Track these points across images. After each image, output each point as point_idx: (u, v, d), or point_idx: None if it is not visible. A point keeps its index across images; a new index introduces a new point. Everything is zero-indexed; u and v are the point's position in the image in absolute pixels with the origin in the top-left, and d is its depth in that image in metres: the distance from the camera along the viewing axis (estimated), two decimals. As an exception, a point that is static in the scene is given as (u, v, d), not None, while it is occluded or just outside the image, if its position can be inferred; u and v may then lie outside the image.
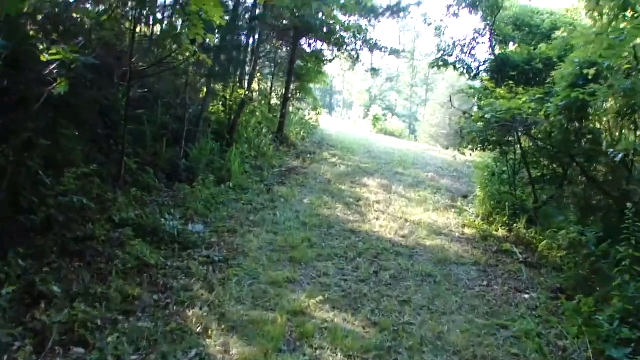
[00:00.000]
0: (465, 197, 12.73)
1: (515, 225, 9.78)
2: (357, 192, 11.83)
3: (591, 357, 5.18)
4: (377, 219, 9.82)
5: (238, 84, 13.44)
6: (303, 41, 17.28)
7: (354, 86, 61.87)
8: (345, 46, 16.48)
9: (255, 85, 17.28)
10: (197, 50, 7.68)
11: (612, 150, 7.45)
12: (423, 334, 5.46)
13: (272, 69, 18.96)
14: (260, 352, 4.70)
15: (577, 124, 9.20)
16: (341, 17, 15.62)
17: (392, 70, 64.34)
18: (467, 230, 9.85)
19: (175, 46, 8.20)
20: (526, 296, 6.98)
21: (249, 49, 13.91)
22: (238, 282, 6.20)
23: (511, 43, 13.22)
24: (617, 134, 9.65)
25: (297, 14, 14.11)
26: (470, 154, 12.05)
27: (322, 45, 17.88)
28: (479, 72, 12.76)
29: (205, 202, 9.14)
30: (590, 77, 7.51)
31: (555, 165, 10.62)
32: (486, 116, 9.51)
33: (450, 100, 11.19)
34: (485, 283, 7.31)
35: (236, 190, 10.37)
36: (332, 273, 6.92)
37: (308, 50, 18.07)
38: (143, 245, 6.58)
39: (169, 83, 10.65)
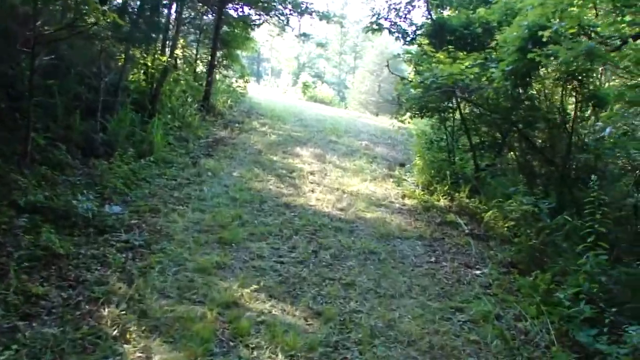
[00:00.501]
0: (402, 165, 12.28)
1: (457, 194, 9.38)
2: (290, 162, 11.16)
3: (554, 339, 4.74)
4: (313, 192, 9.20)
5: (160, 51, 12.41)
6: (230, 7, 16.34)
7: (282, 54, 60.69)
8: (273, 10, 15.52)
9: (179, 52, 16.26)
10: (106, 10, 6.69)
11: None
12: (372, 323, 4.88)
13: (198, 36, 17.92)
14: (188, 356, 4.01)
15: (520, 90, 8.84)
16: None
17: (321, 37, 63.44)
18: (407, 201, 9.37)
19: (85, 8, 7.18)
20: (477, 272, 6.54)
21: (171, 13, 12.86)
22: (161, 271, 5.44)
23: (447, 8, 12.69)
24: (556, 99, 9.51)
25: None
26: (409, 122, 11.56)
27: (250, 9, 16.95)
28: (415, 37, 12.20)
29: (125, 178, 8.26)
30: (544, 40, 7.02)
31: (494, 132, 10.31)
32: (426, 82, 8.99)
33: (388, 65, 10.78)
34: (433, 259, 6.82)
35: (159, 165, 9.51)
36: (266, 255, 6.24)
37: (235, 15, 17.13)
38: (50, 233, 5.72)
39: (83, 50, 9.58)
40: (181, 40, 15.92)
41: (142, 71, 11.90)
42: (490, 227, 8.11)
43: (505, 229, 7.91)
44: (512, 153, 10.22)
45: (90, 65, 9.56)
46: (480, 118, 10.30)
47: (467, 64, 8.74)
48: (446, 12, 12.52)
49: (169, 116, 11.89)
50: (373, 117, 26.40)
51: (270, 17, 16.29)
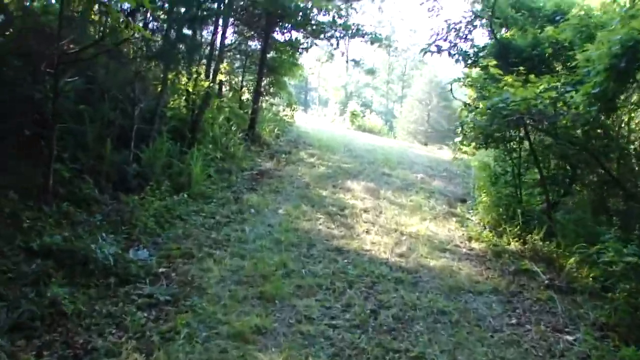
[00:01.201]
0: (463, 201, 11.14)
1: (530, 236, 8.19)
2: (341, 198, 10.16)
3: None
4: (367, 233, 8.17)
5: (203, 76, 11.66)
6: (276, 31, 15.63)
7: (330, 82, 60.15)
8: (323, 34, 14.68)
9: (222, 77, 15.58)
10: (130, 21, 5.83)
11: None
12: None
13: (244, 62, 17.25)
14: None
15: (603, 116, 7.73)
16: (318, -1, 13.95)
17: (369, 65, 62.80)
18: (474, 245, 8.24)
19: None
20: (569, 337, 5.38)
21: (216, 37, 12.11)
22: (188, 338, 4.47)
23: (511, 27, 11.60)
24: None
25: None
26: (469, 153, 10.46)
27: (298, 33, 16.20)
28: (477, 59, 11.12)
29: (157, 216, 7.45)
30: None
31: (564, 165, 9.18)
32: (494, 108, 7.92)
33: (451, 90, 9.58)
34: (514, 321, 5.67)
35: (197, 200, 8.66)
36: (316, 316, 5.20)
37: (281, 39, 16.42)
38: (60, 286, 4.85)
39: (117, 73, 8.84)
40: (225, 65, 15.22)
41: (182, 97, 11.17)
42: (573, 278, 6.91)
43: (591, 279, 6.74)
44: (583, 188, 9.11)
45: (125, 89, 8.80)
46: (549, 149, 9.18)
47: (541, 87, 7.66)
48: (509, 33, 11.41)
49: (211, 146, 11.07)
50: (423, 147, 25.33)
51: (320, 39, 15.35)
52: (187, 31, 9.74)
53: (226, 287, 5.60)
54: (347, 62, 18.08)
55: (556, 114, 7.54)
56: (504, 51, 10.48)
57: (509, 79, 8.33)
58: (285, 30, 15.96)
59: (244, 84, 17.35)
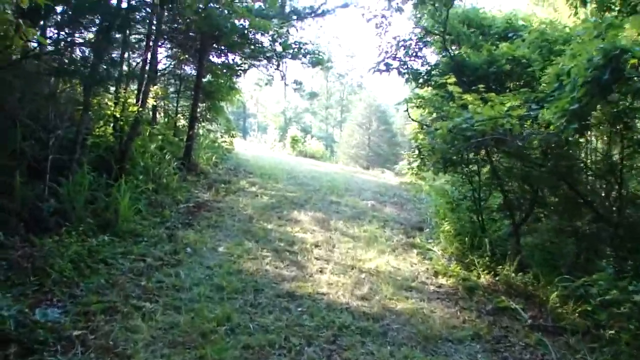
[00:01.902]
0: (420, 229, 10.37)
1: (500, 268, 7.39)
2: (288, 231, 9.16)
3: None
4: (322, 272, 7.19)
5: (132, 100, 10.52)
6: (212, 54, 14.64)
7: (268, 108, 59.45)
8: (262, 54, 13.69)
9: (156, 103, 14.46)
10: (20, 23, 4.57)
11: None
12: None
13: (178, 87, 16.14)
14: None
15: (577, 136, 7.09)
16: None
17: (309, 90, 62.48)
18: (442, 280, 7.39)
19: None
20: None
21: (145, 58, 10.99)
22: None
23: (462, 45, 10.97)
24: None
25: (202, 14, 11.40)
26: (434, 179, 9.71)
27: (235, 55, 15.22)
28: (430, 78, 10.38)
29: (77, 261, 6.26)
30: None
31: (525, 187, 8.55)
32: (460, 128, 7.15)
33: (407, 111, 8.83)
34: (506, 376, 4.80)
35: (125, 239, 7.52)
36: (270, 388, 4.18)
37: (218, 61, 15.45)
38: None
39: (26, 94, 7.67)
40: (158, 90, 14.14)
41: (109, 123, 10.02)
42: (559, 315, 6.14)
43: (577, 315, 5.98)
44: (547, 212, 8.49)
45: (37, 114, 7.63)
46: (509, 171, 8.52)
47: (508, 104, 6.95)
48: (462, 50, 10.77)
49: (141, 177, 9.91)
50: (367, 172, 24.61)
51: (259, 60, 14.36)
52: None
53: (157, 352, 4.51)
54: (285, 85, 17.13)
55: (526, 134, 6.81)
56: (458, 69, 9.80)
57: (468, 97, 7.63)
58: (221, 53, 15.00)
59: (179, 109, 16.25)
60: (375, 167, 43.73)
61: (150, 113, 15.00)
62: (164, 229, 8.41)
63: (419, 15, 11.10)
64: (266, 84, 17.83)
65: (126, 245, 7.31)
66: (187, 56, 15.35)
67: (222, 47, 13.54)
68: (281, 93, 58.67)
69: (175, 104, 16.35)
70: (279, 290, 6.31)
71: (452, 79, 8.11)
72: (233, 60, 15.17)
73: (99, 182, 8.37)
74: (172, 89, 16.59)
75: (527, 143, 7.08)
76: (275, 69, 14.76)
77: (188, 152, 13.56)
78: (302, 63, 14.85)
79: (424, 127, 8.90)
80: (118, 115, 9.99)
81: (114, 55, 9.33)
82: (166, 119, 15.89)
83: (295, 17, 13.51)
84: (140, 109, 9.99)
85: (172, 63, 16.26)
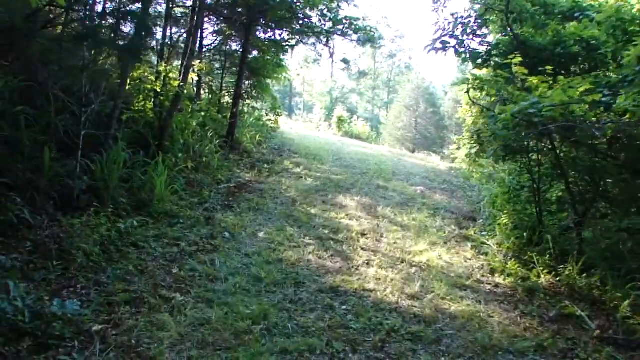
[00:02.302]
0: (473, 220, 9.68)
1: (562, 267, 6.69)
2: (333, 217, 8.61)
3: None
4: (368, 265, 6.63)
5: (173, 75, 10.08)
6: (259, 29, 14.10)
7: (315, 87, 58.80)
8: (311, 29, 13.05)
9: (201, 79, 14.06)
10: None
11: None
12: None
13: (223, 63, 15.71)
14: None
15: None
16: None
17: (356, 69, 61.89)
18: (499, 279, 6.72)
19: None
20: None
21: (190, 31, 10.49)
22: None
23: (525, 23, 10.13)
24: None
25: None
26: (493, 167, 9.02)
27: (282, 32, 14.66)
28: (490, 58, 9.61)
29: (106, 244, 5.89)
30: None
31: (589, 179, 7.76)
32: (527, 113, 6.44)
33: (468, 92, 8.07)
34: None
35: (160, 221, 7.11)
36: (310, 406, 3.66)
37: (265, 37, 14.91)
38: None
39: (60, 65, 7.26)
40: (203, 65, 13.69)
41: (149, 98, 9.61)
42: (630, 326, 5.44)
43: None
44: (609, 207, 7.70)
45: (72, 87, 7.22)
46: (573, 161, 7.74)
47: (581, 89, 6.21)
48: (523, 29, 9.94)
49: (181, 155, 9.49)
50: (415, 155, 23.81)
51: (308, 36, 13.72)
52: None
53: (183, 354, 4.04)
54: (333, 63, 16.56)
55: (602, 123, 6.09)
56: (521, 49, 9.02)
57: (534, 80, 6.93)
58: (268, 29, 14.46)
59: (225, 86, 15.84)
60: (422, 150, 42.87)
61: (195, 89, 14.64)
62: (202, 210, 7.99)
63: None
64: (314, 62, 17.16)
65: (160, 227, 6.91)
66: (233, 32, 14.91)
67: (270, 22, 12.93)
68: (328, 72, 58.08)
69: (220, 81, 15.94)
70: (322, 284, 5.78)
71: (518, 59, 7.35)
72: (280, 36, 14.62)
73: (135, 160, 7.96)
74: (217, 65, 16.20)
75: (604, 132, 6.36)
76: (324, 46, 14.06)
77: (231, 130, 13.14)
78: (351, 41, 14.17)
79: (484, 110, 8.17)
80: (159, 90, 9.59)
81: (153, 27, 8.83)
82: (210, 96, 15.48)
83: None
84: (182, 84, 9.54)
85: (218, 39, 15.87)
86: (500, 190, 9.31)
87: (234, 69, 15.37)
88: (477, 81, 9.25)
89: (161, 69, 9.70)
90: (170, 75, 9.84)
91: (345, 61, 15.03)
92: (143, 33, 7.23)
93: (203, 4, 10.44)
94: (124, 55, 7.23)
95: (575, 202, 7.59)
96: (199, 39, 12.78)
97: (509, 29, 9.06)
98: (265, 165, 12.04)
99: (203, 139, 11.03)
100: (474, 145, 8.28)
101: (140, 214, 7.10)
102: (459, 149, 21.91)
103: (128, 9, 7.57)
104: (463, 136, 19.92)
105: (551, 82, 6.78)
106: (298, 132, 22.95)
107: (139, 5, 7.72)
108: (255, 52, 15.76)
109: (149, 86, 9.62)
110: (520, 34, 9.48)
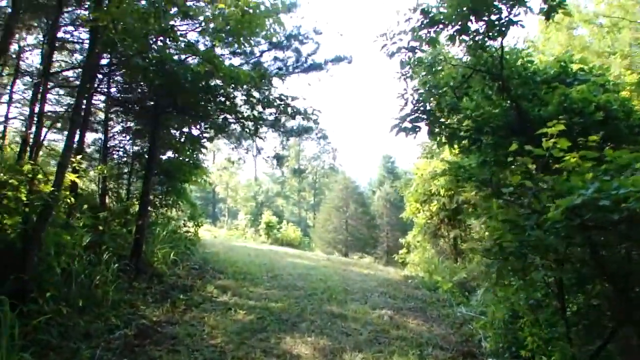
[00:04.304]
0: (472, 356, 6.98)
1: None
2: (282, 379, 5.71)
3: None
4: None
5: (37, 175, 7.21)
6: (169, 126, 11.48)
7: (239, 193, 56.21)
8: (236, 115, 10.27)
9: (73, 178, 11.19)
10: None
11: None
12: None
13: (130, 164, 12.92)
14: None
15: None
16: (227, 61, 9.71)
17: (277, 175, 60.24)
18: None
19: None
20: None
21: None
22: None
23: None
24: None
25: (152, 60, 8.25)
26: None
27: (199, 127, 12.04)
28: (479, 138, 7.21)
29: None
30: None
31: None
32: (595, 203, 3.99)
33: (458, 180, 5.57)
34: None
35: None
36: None
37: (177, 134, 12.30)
38: None
39: None
40: (101, 167, 10.93)
41: (11, 211, 6.69)
42: None
43: None
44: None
45: None
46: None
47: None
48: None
49: (51, 292, 6.46)
50: (360, 262, 21.17)
51: (233, 124, 10.96)
52: None
53: None
54: (261, 160, 13.73)
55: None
56: (519, 123, 6.75)
57: (571, 158, 4.57)
58: (183, 124, 11.84)
59: (135, 192, 12.91)
60: (355, 252, 40.55)
61: (99, 198, 11.75)
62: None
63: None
64: (239, 161, 14.48)
65: None
66: (139, 126, 12.30)
67: (182, 110, 10.17)
68: (252, 175, 56.00)
69: (125, 189, 13.08)
70: None
71: (560, 127, 4.92)
72: (198, 129, 11.97)
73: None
74: (123, 170, 13.39)
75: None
76: (252, 137, 11.28)
77: (137, 248, 10.17)
78: (282, 132, 11.68)
79: (505, 204, 5.64)
80: (23, 199, 6.71)
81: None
82: (118, 204, 12.56)
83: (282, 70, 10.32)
84: (54, 189, 6.66)
85: (127, 137, 13.17)
86: (504, 309, 6.72)
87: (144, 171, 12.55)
88: (461, 170, 6.84)
89: (25, 168, 6.84)
90: (40, 177, 6.97)
91: (278, 157, 12.27)
92: None
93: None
94: None
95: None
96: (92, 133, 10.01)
97: (502, 93, 6.77)
98: (182, 295, 9.02)
99: (96, 264, 8.05)
100: (495, 259, 5.60)
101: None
102: (408, 252, 19.58)
103: None
104: (415, 238, 17.57)
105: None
106: (223, 243, 20.09)
107: None
108: (169, 154, 13.16)
109: (9, 193, 6.73)
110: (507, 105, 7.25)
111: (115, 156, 13.38)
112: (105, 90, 11.36)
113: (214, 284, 10.27)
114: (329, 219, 44.55)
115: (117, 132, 13.28)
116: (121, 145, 13.43)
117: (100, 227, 9.86)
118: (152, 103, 10.31)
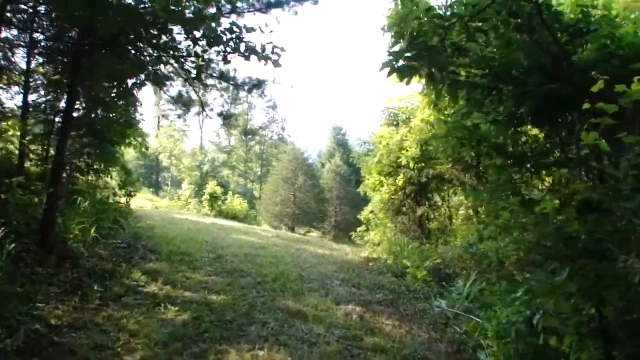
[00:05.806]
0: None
1: None
2: None
3: None
4: None
5: None
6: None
7: (183, 162, 53.73)
8: (174, 52, 8.06)
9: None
10: None
11: None
12: None
13: (52, 121, 10.77)
14: None
15: None
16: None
17: (225, 144, 58.20)
18: None
19: None
20: None
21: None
22: None
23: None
24: None
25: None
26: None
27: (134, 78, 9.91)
28: (496, 88, 5.48)
29: None
30: None
31: None
32: None
33: None
34: None
35: None
36: None
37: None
38: None
39: None
40: (11, 123, 8.90)
41: None
42: None
43: None
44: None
45: None
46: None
47: None
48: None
49: None
50: (315, 242, 19.35)
51: (171, 64, 8.68)
52: None
53: None
54: (209, 118, 11.65)
55: None
56: (567, 66, 5.12)
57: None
58: (108, 61, 9.65)
59: (47, 152, 10.78)
60: (302, 226, 38.93)
61: (17, 161, 9.70)
62: None
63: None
64: (179, 117, 12.48)
65: None
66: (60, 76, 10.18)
67: (103, 48, 8.00)
68: (198, 143, 53.63)
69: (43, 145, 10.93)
70: None
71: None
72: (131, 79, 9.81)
73: None
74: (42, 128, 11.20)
75: None
76: (194, 84, 9.12)
77: (48, 222, 8.14)
78: (231, 84, 9.69)
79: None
80: None
81: None
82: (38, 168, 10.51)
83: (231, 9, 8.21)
84: None
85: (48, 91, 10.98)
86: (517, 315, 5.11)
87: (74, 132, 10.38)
88: (465, 131, 5.18)
89: None
90: None
91: (225, 116, 10.26)
92: None
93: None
94: None
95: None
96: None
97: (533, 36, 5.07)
98: (97, 285, 7.06)
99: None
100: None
101: None
102: (367, 230, 17.99)
103: None
104: (375, 214, 15.92)
105: None
106: (162, 215, 18.08)
107: None
108: (99, 111, 11.08)
109: None
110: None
111: (36, 113, 11.20)
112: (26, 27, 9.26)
113: (143, 268, 8.35)
114: (276, 191, 42.61)
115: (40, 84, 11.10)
116: (50, 99, 11.24)
117: (3, 196, 7.89)
118: (70, 43, 8.25)
